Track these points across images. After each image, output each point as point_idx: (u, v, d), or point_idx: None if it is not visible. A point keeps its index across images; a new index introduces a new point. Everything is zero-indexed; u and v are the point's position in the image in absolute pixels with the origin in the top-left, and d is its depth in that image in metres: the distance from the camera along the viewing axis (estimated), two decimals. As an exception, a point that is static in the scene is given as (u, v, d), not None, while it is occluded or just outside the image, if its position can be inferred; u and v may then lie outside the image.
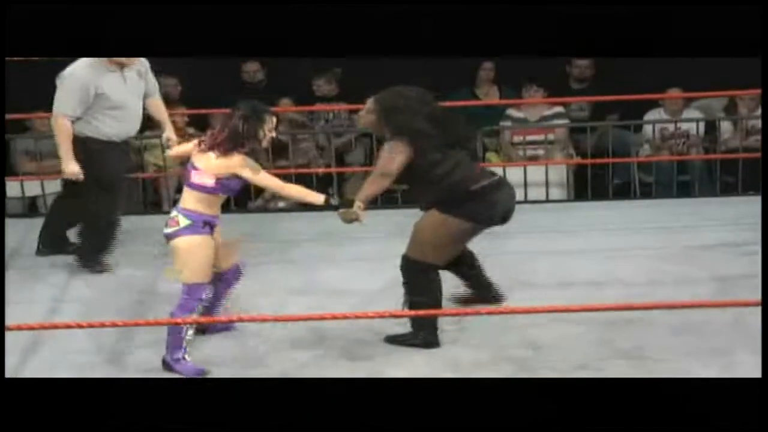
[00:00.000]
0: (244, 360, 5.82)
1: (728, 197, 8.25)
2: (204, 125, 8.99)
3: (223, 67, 9.19)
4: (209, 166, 5.58)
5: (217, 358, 5.81)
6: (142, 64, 7.06)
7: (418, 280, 5.90)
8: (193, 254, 5.60)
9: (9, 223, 7.66)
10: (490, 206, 5.85)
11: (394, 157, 5.78)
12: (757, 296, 5.88)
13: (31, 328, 5.51)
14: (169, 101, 8.86)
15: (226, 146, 5.56)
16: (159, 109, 7.25)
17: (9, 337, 5.42)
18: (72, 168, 6.86)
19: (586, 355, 5.77)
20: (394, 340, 5.98)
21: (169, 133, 7.18)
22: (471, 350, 5.88)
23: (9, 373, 5.59)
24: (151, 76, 7.15)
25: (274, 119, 5.75)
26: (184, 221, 5.61)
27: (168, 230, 5.63)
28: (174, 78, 9.17)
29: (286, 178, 8.64)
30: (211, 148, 5.60)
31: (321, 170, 8.75)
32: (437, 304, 5.89)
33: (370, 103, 5.98)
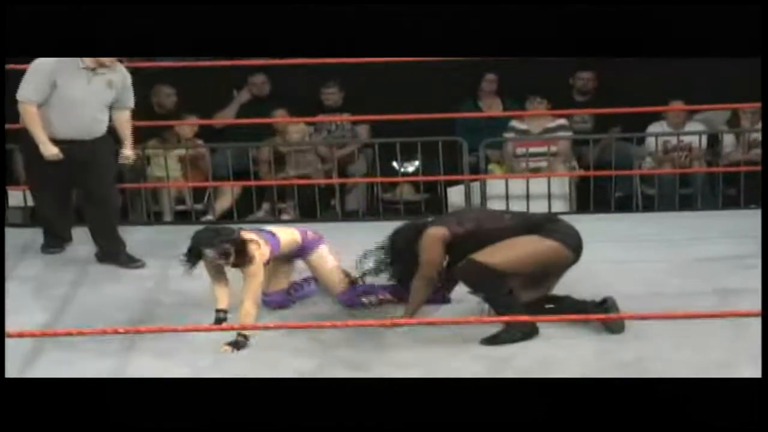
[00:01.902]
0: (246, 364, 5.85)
1: (730, 210, 8.22)
2: (212, 136, 9.02)
3: (230, 79, 9.22)
4: None
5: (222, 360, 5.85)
6: (117, 73, 7.03)
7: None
8: None
9: (11, 232, 7.61)
10: None
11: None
12: (758, 309, 5.89)
13: (33, 335, 5.49)
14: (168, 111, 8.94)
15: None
16: (123, 124, 7.23)
17: (9, 346, 5.42)
18: (51, 149, 6.91)
19: (586, 365, 5.76)
20: (493, 341, 6.00)
21: (126, 150, 7.24)
22: (470, 360, 5.86)
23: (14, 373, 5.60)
24: (127, 90, 7.12)
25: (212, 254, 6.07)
26: None
27: None
28: (172, 88, 9.19)
29: (288, 188, 8.69)
30: None
31: (323, 181, 8.72)
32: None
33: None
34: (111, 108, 7.12)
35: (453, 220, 6.19)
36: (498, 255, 5.99)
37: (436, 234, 6.10)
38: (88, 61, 6.88)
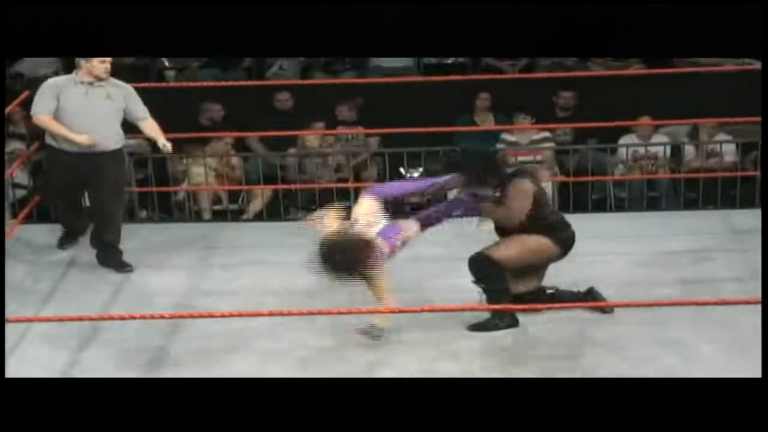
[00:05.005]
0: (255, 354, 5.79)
1: (691, 211, 8.21)
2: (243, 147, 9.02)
3: (257, 95, 9.22)
4: None
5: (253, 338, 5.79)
6: (116, 87, 6.59)
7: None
8: None
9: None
10: None
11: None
12: (716, 296, 5.91)
13: (29, 321, 5.39)
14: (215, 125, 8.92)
15: None
16: (150, 131, 6.73)
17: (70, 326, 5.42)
18: (80, 137, 6.46)
19: (569, 344, 5.83)
20: (479, 327, 5.97)
21: (162, 141, 6.69)
22: (466, 339, 5.92)
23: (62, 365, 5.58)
24: (136, 103, 6.65)
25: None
26: None
27: None
28: (218, 104, 9.18)
29: (309, 191, 8.66)
30: None
31: (340, 185, 8.71)
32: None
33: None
34: (137, 122, 6.72)
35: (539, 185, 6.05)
36: (507, 251, 5.95)
37: (529, 189, 5.94)
38: (84, 76, 6.49)
